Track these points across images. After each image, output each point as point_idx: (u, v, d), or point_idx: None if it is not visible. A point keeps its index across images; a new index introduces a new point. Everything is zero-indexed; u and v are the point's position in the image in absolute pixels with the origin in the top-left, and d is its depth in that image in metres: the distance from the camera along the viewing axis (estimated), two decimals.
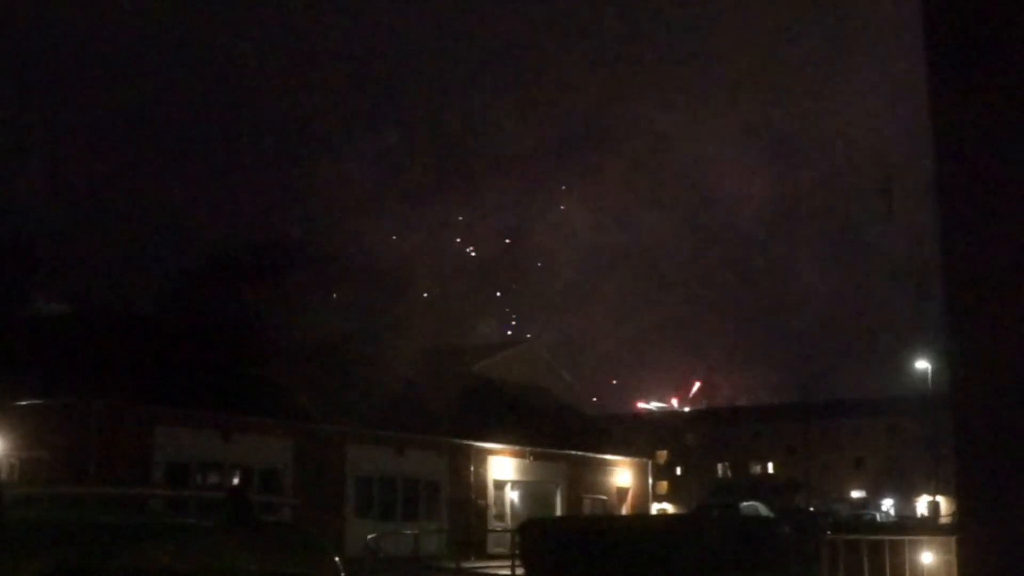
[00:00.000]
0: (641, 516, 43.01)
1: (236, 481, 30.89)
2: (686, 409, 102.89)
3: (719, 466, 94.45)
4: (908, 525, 44.58)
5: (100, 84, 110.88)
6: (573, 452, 43.70)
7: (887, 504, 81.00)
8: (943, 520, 52.37)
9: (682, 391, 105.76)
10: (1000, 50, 3.21)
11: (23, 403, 28.72)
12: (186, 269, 61.11)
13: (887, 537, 26.00)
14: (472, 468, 39.07)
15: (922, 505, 78.31)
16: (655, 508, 60.59)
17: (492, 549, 35.60)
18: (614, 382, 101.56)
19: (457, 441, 38.40)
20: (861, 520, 46.72)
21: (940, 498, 64.73)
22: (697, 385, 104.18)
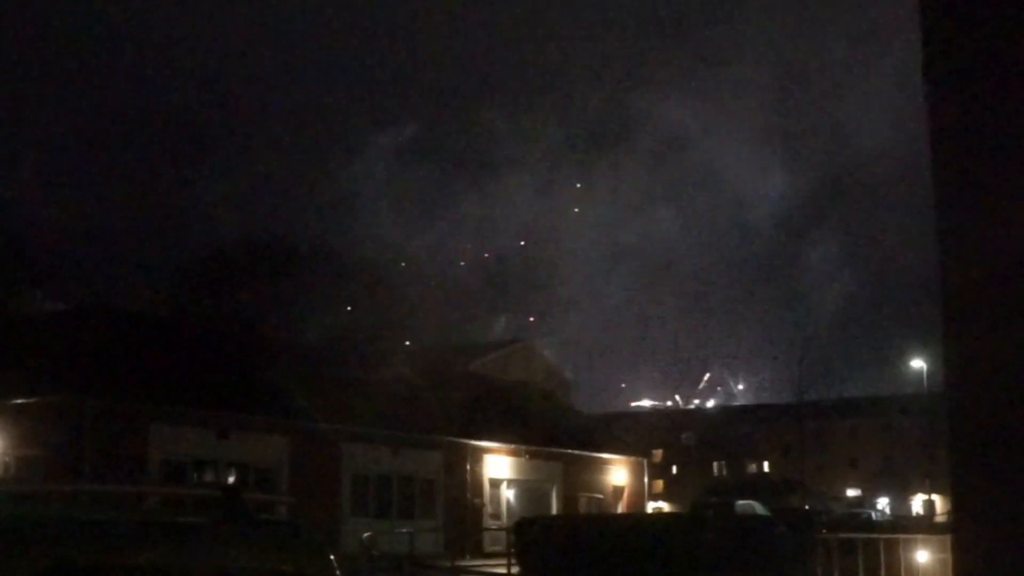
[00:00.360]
0: (637, 515, 43.03)
1: (231, 479, 30.87)
2: (691, 404, 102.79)
3: (715, 465, 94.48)
4: (903, 524, 44.63)
5: (100, 81, 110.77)
6: (569, 451, 43.69)
7: (882, 503, 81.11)
8: (938, 519, 52.44)
9: (689, 384, 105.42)
10: (996, 56, 3.23)
11: (18, 401, 28.68)
12: (183, 268, 61.00)
13: (882, 536, 26.05)
14: (468, 467, 39.06)
15: (917, 504, 78.43)
16: (651, 507, 60.60)
17: (488, 548, 35.60)
18: (623, 385, 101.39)
19: (453, 440, 38.38)
20: (856, 519, 46.76)
21: (935, 497, 64.86)
22: (707, 376, 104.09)
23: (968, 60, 3.33)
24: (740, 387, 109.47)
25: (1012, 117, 3.21)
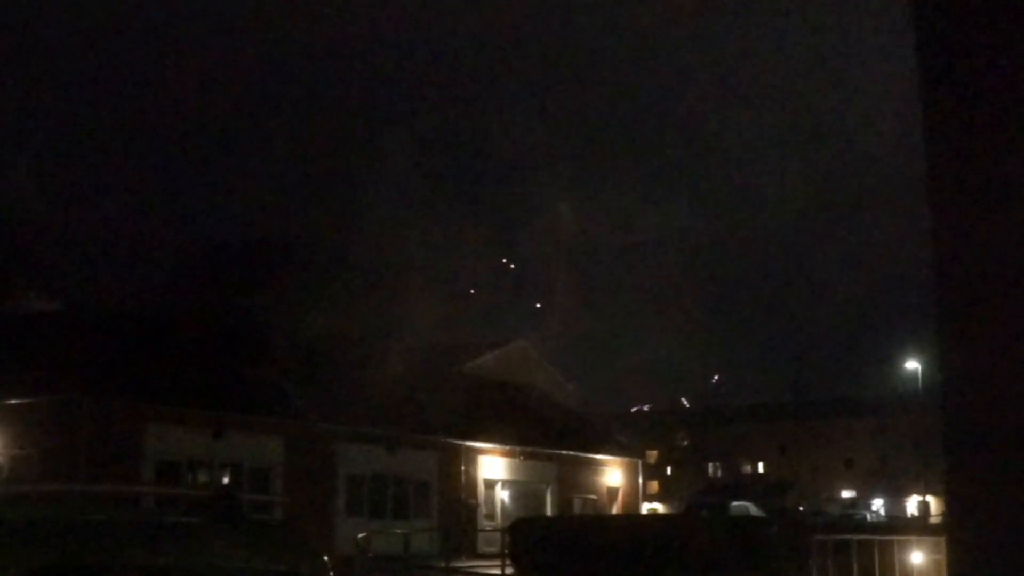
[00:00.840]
0: (631, 516, 43.04)
1: (226, 480, 30.84)
2: (687, 404, 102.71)
3: (709, 466, 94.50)
4: (898, 525, 44.68)
5: (98, 79, 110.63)
6: (563, 452, 43.69)
7: (877, 504, 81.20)
8: (933, 520, 52.48)
9: (692, 385, 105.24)
10: (989, 58, 3.23)
11: (13, 401, 28.62)
12: (179, 266, 60.91)
13: (877, 537, 26.10)
14: (463, 467, 39.05)
15: (912, 505, 78.52)
16: (645, 508, 60.61)
17: (482, 548, 35.58)
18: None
19: (448, 440, 38.36)
20: (851, 520, 46.83)
21: (930, 498, 64.92)
22: (716, 378, 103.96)
23: (963, 61, 3.33)
24: (734, 388, 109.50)
25: (1006, 118, 3.21)
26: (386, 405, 35.33)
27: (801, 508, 59.56)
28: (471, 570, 30.35)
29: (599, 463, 46.08)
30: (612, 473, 46.66)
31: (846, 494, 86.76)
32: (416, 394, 37.10)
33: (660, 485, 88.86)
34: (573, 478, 44.03)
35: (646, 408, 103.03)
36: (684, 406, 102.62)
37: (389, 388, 35.48)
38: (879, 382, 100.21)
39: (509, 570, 25.84)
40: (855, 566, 23.29)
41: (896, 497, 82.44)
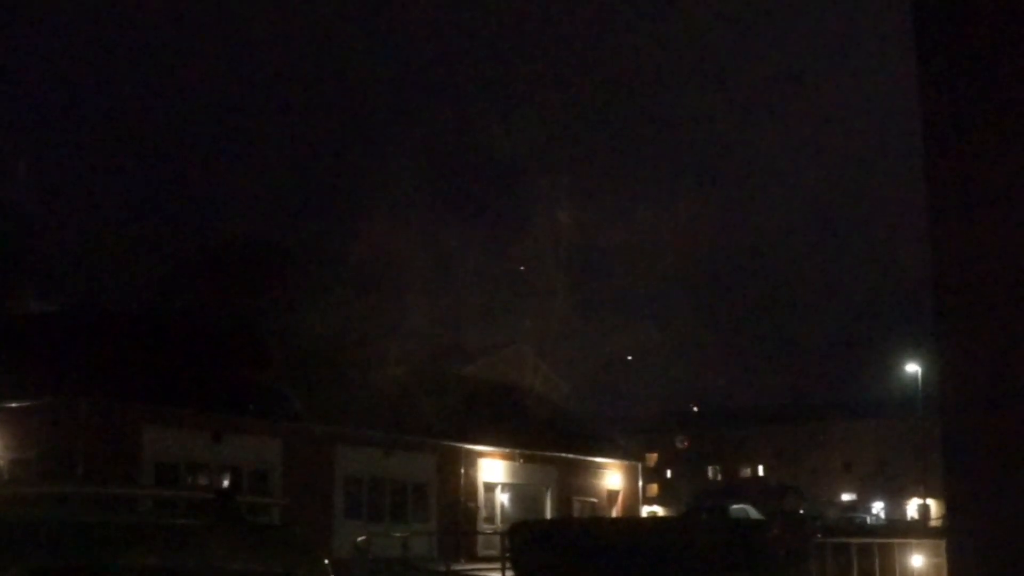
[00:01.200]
0: (631, 519, 43.01)
1: (225, 482, 30.80)
2: (694, 408, 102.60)
3: (709, 469, 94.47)
4: (898, 528, 44.64)
5: (97, 79, 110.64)
6: (563, 455, 43.65)
7: (877, 507, 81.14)
8: (933, 523, 52.44)
9: (695, 390, 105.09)
10: (989, 62, 3.22)
11: (12, 404, 28.60)
12: (178, 268, 60.82)
13: (876, 540, 26.09)
14: (462, 470, 39.02)
15: (912, 508, 78.45)
16: (645, 511, 60.55)
17: (482, 551, 35.55)
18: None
19: (447, 443, 38.33)
20: (851, 523, 46.80)
21: (930, 501, 64.87)
22: (722, 384, 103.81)
23: (962, 61, 3.33)
24: (731, 391, 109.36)
25: (1006, 118, 3.20)
26: (385, 407, 35.30)
27: (801, 511, 59.44)
28: (470, 573, 30.33)
29: (599, 466, 46.05)
30: (612, 476, 46.62)
31: (846, 497, 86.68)
32: (415, 397, 37.05)
33: (660, 488, 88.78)
34: (573, 481, 43.99)
35: (651, 412, 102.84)
36: (693, 411, 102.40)
37: (388, 390, 35.46)
38: (879, 385, 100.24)
39: (509, 573, 25.82)
40: (855, 569, 23.28)
41: (896, 500, 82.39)
